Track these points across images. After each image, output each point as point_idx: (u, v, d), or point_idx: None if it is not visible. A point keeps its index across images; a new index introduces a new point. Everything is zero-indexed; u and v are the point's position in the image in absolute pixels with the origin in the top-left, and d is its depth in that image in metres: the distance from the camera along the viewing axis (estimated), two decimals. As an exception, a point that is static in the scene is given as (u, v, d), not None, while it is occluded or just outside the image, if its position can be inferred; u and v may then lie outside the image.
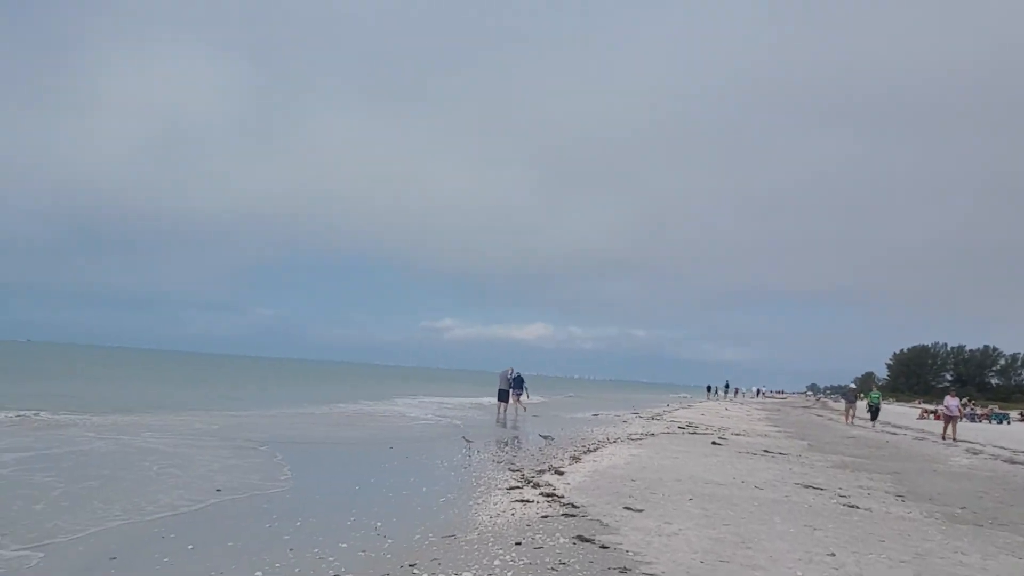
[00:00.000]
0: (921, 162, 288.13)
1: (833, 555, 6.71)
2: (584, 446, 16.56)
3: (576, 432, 21.74)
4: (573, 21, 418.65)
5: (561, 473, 11.43)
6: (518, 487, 10.06)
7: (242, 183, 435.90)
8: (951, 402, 27.83)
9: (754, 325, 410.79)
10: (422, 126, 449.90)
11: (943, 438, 26.06)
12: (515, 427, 24.44)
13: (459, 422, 24.46)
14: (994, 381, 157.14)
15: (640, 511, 8.29)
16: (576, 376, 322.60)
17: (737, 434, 22.96)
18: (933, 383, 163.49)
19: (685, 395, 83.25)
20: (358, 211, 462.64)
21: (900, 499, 11.14)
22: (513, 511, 8.31)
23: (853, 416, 36.63)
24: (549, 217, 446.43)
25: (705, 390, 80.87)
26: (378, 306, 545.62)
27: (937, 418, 46.47)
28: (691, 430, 23.34)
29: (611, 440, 18.22)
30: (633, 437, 19.18)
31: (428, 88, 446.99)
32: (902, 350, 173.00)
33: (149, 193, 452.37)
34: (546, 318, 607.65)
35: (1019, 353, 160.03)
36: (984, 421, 43.14)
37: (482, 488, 10.24)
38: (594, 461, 13.28)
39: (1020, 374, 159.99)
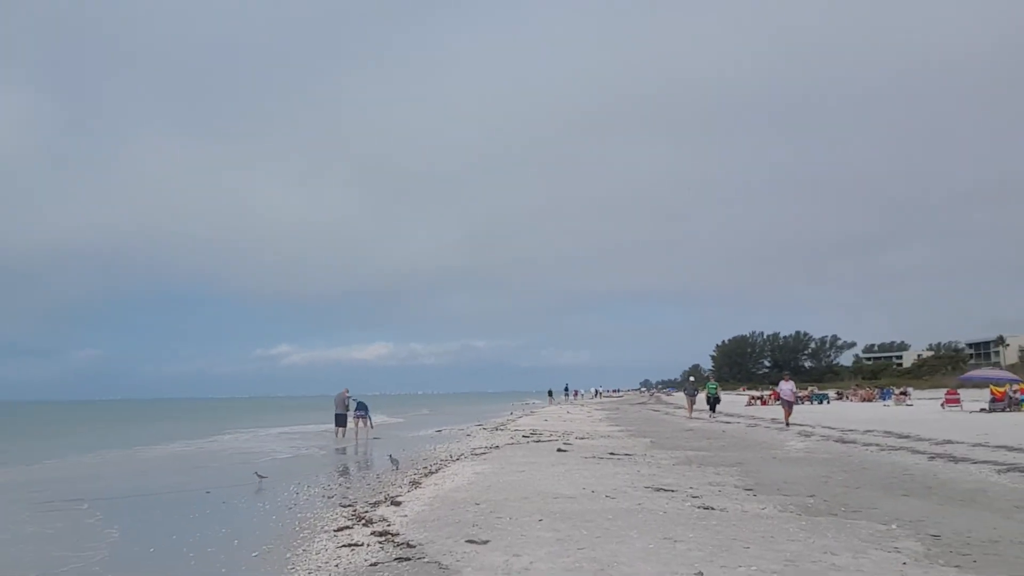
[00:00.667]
0: (737, 166, 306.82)
1: (701, 574, 5.94)
2: (425, 467, 15.39)
3: (418, 451, 20.56)
4: (401, 36, 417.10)
5: (398, 503, 10.22)
6: (347, 527, 8.76)
7: (54, 218, 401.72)
8: (785, 387, 27.58)
9: (588, 328, 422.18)
10: (243, 151, 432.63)
11: (787, 425, 25.95)
12: (355, 452, 22.93)
13: (287, 454, 22.63)
14: (807, 364, 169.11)
15: (485, 543, 7.24)
16: (421, 392, 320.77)
17: (581, 438, 22.53)
18: (754, 370, 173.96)
19: (529, 402, 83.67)
20: (181, 242, 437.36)
21: (751, 493, 10.75)
22: (338, 560, 7.05)
23: (692, 409, 36.80)
24: (380, 233, 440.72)
25: (546, 395, 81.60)
26: (208, 338, 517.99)
27: (763, 403, 48.84)
28: (535, 438, 22.70)
29: (454, 457, 17.16)
30: (477, 452, 18.21)
31: (247, 113, 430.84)
32: (724, 341, 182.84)
33: None
34: (386, 336, 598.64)
35: (827, 336, 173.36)
36: (806, 402, 45.49)
37: (306, 532, 8.86)
38: (435, 484, 12.16)
39: (829, 355, 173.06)
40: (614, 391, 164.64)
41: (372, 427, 28.94)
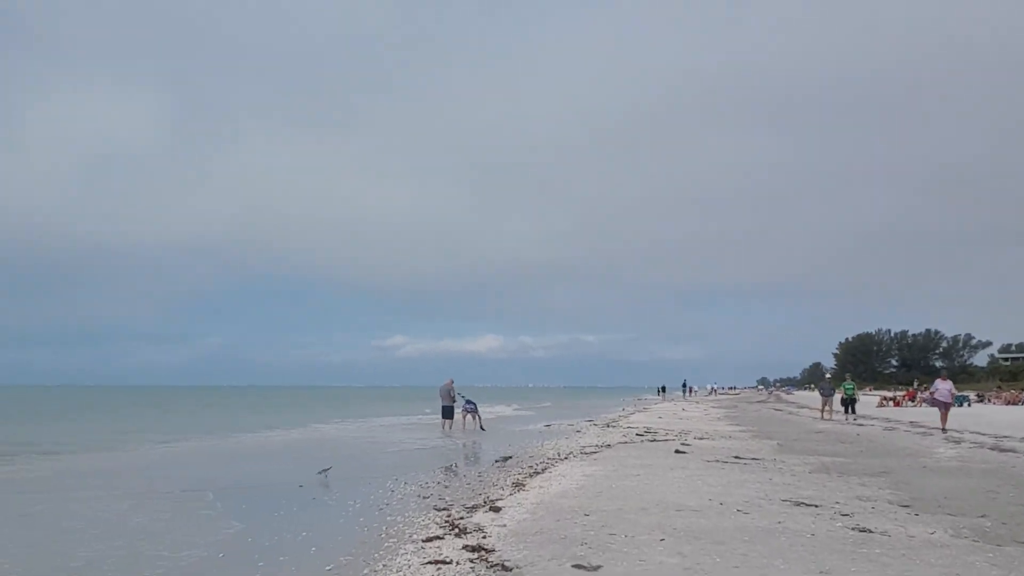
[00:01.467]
0: (850, 155, 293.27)
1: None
2: (531, 466, 14.18)
3: (524, 447, 19.42)
4: (499, 30, 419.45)
5: (497, 509, 9.04)
6: (438, 536, 7.64)
7: (176, 212, 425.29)
8: (943, 386, 23.93)
9: (700, 323, 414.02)
10: (351, 147, 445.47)
11: (943, 430, 22.63)
12: (462, 446, 22.05)
13: (394, 448, 21.91)
14: (938, 364, 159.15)
15: (596, 569, 5.94)
16: (531, 385, 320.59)
17: (700, 438, 20.85)
18: (880, 369, 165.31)
19: (642, 397, 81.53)
20: (296, 235, 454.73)
21: (910, 511, 9.01)
22: (420, 582, 5.93)
23: (831, 411, 33.32)
24: (487, 227, 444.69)
25: (658, 391, 79.24)
26: (326, 328, 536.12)
27: (896, 404, 45.40)
28: (650, 437, 21.16)
29: (562, 456, 15.88)
30: (587, 450, 16.88)
31: (353, 109, 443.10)
32: (848, 339, 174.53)
33: (81, 227, 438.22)
34: (496, 329, 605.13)
35: (960, 335, 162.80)
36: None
37: (391, 541, 7.79)
38: (540, 487, 10.93)
39: (962, 355, 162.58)
40: (730, 388, 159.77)
41: (482, 427, 28.14)
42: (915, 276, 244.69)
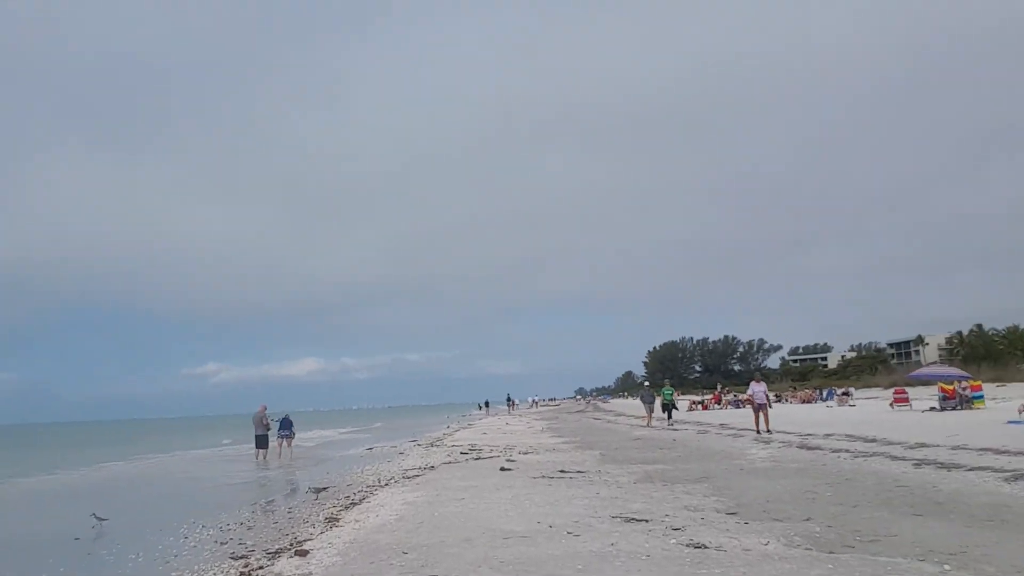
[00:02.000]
0: (657, 172, 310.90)
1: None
2: (348, 497, 13.04)
3: (344, 474, 18.16)
4: (313, 52, 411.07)
5: (304, 553, 7.92)
6: (229, 595, 6.46)
7: None
8: (758, 388, 23.88)
9: (520, 337, 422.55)
10: (159, 169, 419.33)
11: (757, 432, 22.62)
12: (276, 477, 20.39)
13: (198, 485, 19.93)
14: (736, 367, 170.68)
15: (414, 623, 5.07)
16: (355, 407, 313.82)
17: (525, 452, 20.42)
18: (685, 375, 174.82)
19: (466, 414, 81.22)
20: (99, 263, 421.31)
21: (738, 520, 8.77)
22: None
23: (650, 419, 32.32)
24: (300, 248, 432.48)
25: (479, 406, 79.22)
26: (134, 359, 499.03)
27: (705, 408, 47.52)
28: (475, 455, 20.49)
29: (383, 482, 14.84)
30: (409, 474, 15.91)
31: (162, 134, 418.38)
32: (656, 347, 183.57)
33: None
34: (317, 352, 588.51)
35: (754, 340, 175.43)
36: (747, 406, 44.29)
37: (173, 605, 6.55)
38: (356, 521, 9.86)
39: (757, 358, 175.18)
40: (551, 400, 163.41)
41: (291, 447, 26.39)
42: (713, 285, 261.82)
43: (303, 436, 47.06)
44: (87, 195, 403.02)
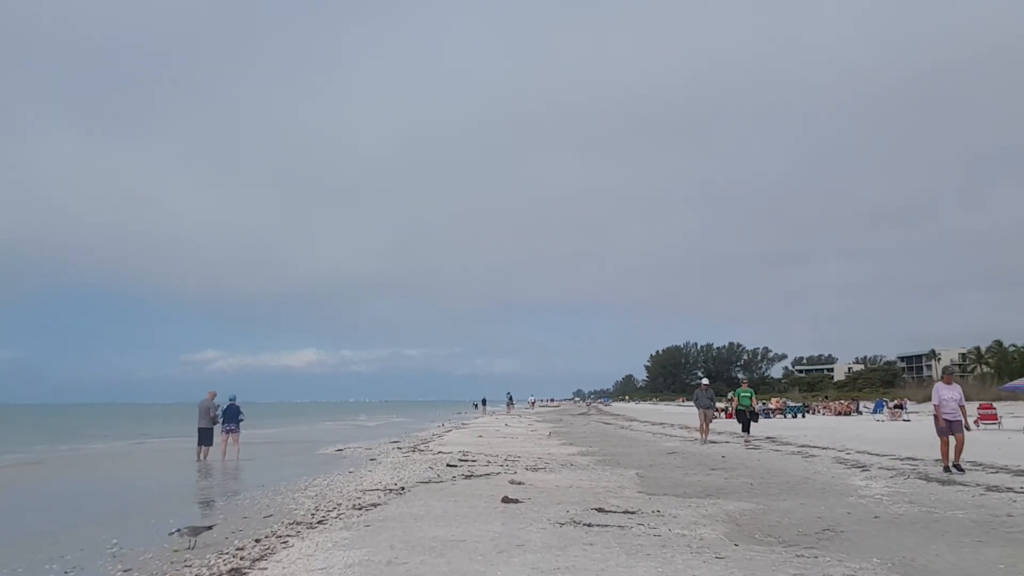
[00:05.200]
0: (663, 179, 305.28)
1: None
2: (239, 549, 7.55)
3: (276, 490, 12.69)
4: (312, 39, 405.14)
5: None
6: None
7: None
8: (947, 393, 13.29)
9: (518, 337, 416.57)
10: (156, 156, 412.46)
11: (947, 468, 13.12)
12: (210, 484, 15.03)
13: (97, 486, 14.53)
14: (740, 375, 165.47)
15: None
16: (352, 400, 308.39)
17: (534, 468, 14.97)
18: (688, 380, 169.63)
19: (460, 412, 75.67)
20: (95, 244, 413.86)
21: None
22: None
23: (707, 430, 22.72)
24: (297, 236, 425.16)
25: (475, 405, 73.60)
26: (131, 343, 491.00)
27: (729, 416, 41.86)
28: (465, 469, 14.98)
29: (316, 517, 9.29)
30: (364, 502, 10.36)
31: (159, 118, 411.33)
32: (658, 351, 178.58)
33: None
34: (316, 343, 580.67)
35: (759, 348, 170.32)
36: (779, 416, 38.75)
37: None
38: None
39: (761, 367, 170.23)
40: (549, 400, 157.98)
41: (237, 445, 21.03)
42: (713, 293, 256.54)
43: (277, 431, 41.85)
44: (73, 176, 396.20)
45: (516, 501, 9.83)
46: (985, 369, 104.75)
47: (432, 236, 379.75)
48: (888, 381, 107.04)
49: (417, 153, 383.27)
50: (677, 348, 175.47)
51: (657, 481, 13.35)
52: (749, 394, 24.75)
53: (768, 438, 23.33)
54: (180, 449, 24.00)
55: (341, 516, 9.04)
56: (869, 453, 17.46)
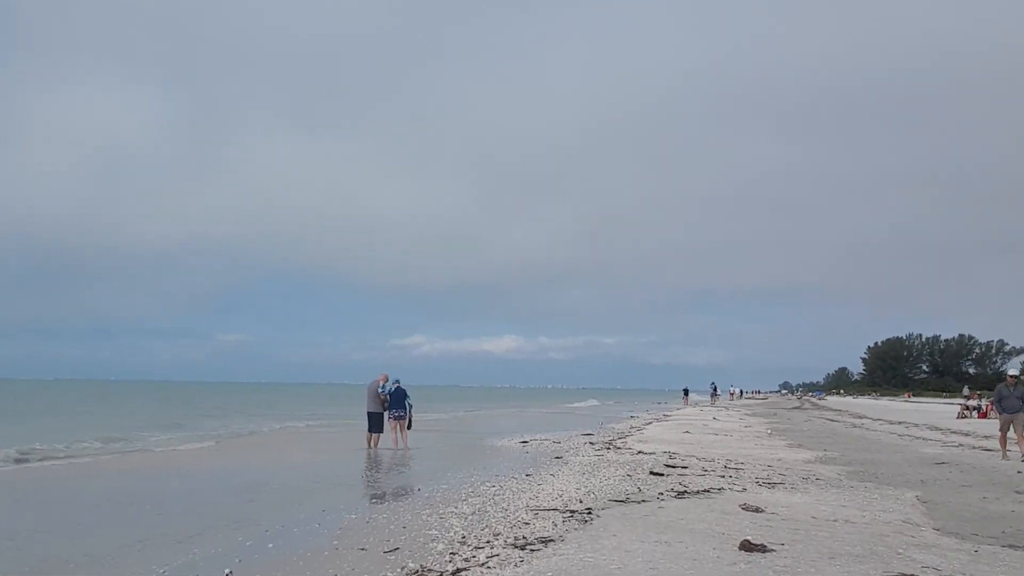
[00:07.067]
0: (861, 160, 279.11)
1: None
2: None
3: (434, 502, 9.81)
4: (503, 29, 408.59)
5: None
6: None
7: (186, 210, 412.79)
8: None
9: (717, 326, 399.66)
10: (358, 150, 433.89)
11: None
12: (369, 480, 12.58)
13: (252, 475, 12.44)
14: (971, 370, 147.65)
15: None
16: (550, 386, 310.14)
17: (768, 483, 11.07)
18: (910, 375, 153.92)
19: (661, 403, 71.38)
20: (309, 235, 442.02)
21: None
22: None
23: (1006, 440, 16.17)
24: (493, 226, 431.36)
25: (682, 394, 68.92)
26: (345, 327, 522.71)
27: (982, 416, 35.13)
28: (677, 480, 11.35)
29: (456, 562, 6.20)
30: (533, 533, 7.07)
31: (359, 112, 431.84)
32: (877, 343, 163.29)
33: (91, 223, 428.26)
34: (515, 330, 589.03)
35: (992, 340, 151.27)
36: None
37: None
38: None
39: (995, 361, 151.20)
40: (755, 392, 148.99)
41: (405, 434, 18.72)
42: (934, 281, 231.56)
43: (468, 415, 40.26)
44: (286, 170, 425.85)
45: (764, 549, 6.18)
46: None
47: (623, 220, 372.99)
48: None
49: (607, 137, 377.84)
50: (899, 340, 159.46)
51: (951, 511, 9.13)
52: None
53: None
54: (352, 433, 22.09)
55: (489, 565, 5.82)
56: None
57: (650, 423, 30.53)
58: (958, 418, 33.50)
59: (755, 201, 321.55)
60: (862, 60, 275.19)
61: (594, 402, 72.39)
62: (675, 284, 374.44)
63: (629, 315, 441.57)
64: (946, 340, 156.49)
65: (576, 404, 66.28)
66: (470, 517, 8.22)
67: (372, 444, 18.33)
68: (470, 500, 9.52)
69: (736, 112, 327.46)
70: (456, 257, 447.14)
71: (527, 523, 7.55)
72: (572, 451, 17.00)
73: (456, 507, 9.04)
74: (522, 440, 20.75)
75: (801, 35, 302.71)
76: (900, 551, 6.36)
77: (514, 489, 10.42)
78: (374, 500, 10.58)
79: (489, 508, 8.74)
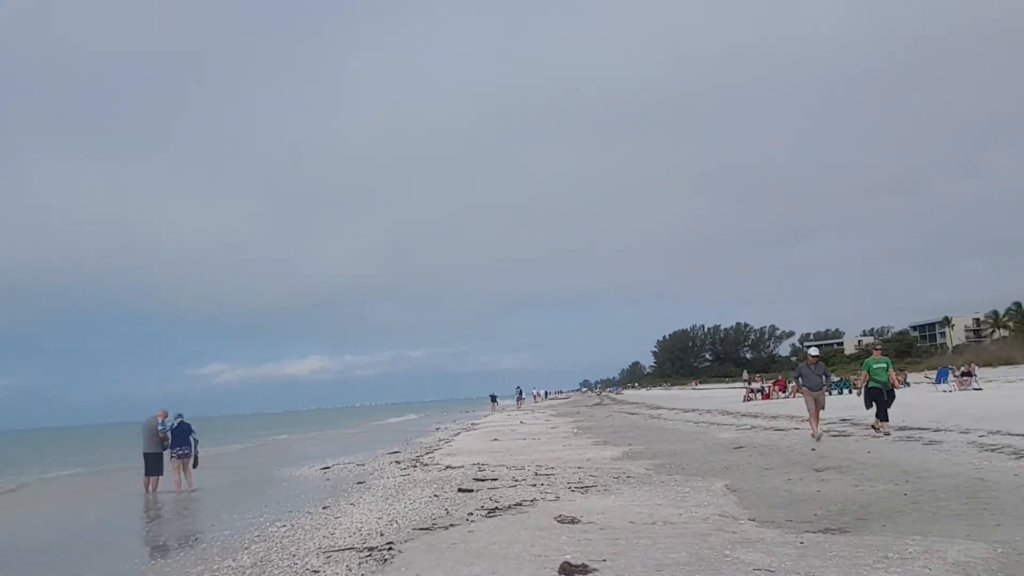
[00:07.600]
0: (650, 165, 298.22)
1: None
2: None
3: (208, 555, 8.34)
4: (300, 45, 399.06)
5: None
6: None
7: None
8: None
9: (520, 332, 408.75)
10: (140, 168, 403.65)
11: None
12: (150, 529, 10.64)
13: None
14: (748, 355, 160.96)
15: None
16: (358, 404, 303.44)
17: (579, 487, 10.55)
18: (696, 364, 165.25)
19: (468, 411, 71.22)
20: (94, 267, 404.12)
21: None
22: None
23: (818, 417, 15.90)
24: (294, 245, 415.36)
25: (490, 400, 69.07)
26: (135, 360, 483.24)
27: (765, 397, 37.57)
28: (487, 495, 10.55)
29: None
30: None
31: (140, 129, 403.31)
32: (665, 337, 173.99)
33: None
34: (319, 350, 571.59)
35: (765, 327, 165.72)
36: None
37: None
38: None
39: (769, 346, 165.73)
40: (557, 392, 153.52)
41: (189, 474, 16.71)
42: (714, 277, 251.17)
43: (267, 443, 37.59)
44: (70, 197, 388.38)
45: (585, 571, 5.46)
46: (1003, 332, 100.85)
47: (427, 235, 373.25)
48: (903, 351, 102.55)
49: (406, 153, 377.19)
50: (684, 332, 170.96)
51: (762, 497, 9.05)
52: (885, 364, 16.28)
53: (842, 419, 18.92)
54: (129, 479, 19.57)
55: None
56: (1009, 434, 13.09)
57: (459, 433, 29.87)
58: (744, 401, 35.64)
59: (554, 209, 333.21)
60: (642, 68, 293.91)
61: (412, 415, 71.03)
62: (480, 294, 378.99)
63: (438, 328, 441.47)
64: (725, 329, 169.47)
65: (391, 420, 64.56)
66: (249, 571, 6.90)
67: (151, 488, 16.12)
68: (253, 548, 8.14)
69: (533, 124, 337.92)
70: (256, 280, 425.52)
71: (316, 571, 6.39)
72: (376, 473, 15.81)
73: (235, 558, 7.65)
74: (323, 466, 19.20)
75: (592, 43, 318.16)
76: (727, 552, 5.89)
77: (307, 527, 9.12)
78: (137, 560, 8.88)
79: (274, 556, 7.45)
